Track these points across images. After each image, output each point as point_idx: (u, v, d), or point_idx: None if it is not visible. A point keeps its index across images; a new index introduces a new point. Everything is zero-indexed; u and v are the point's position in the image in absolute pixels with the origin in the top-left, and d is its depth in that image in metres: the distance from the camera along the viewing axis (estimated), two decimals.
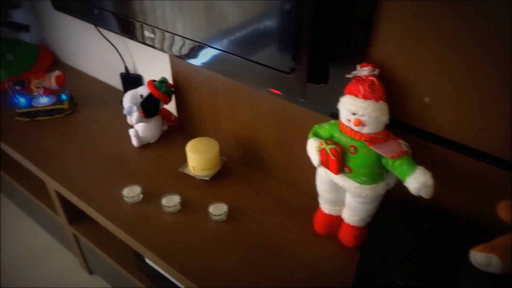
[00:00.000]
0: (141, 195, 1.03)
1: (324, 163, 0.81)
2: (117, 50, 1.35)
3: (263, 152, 1.09)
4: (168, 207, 0.99)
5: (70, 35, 1.57)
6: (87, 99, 1.44)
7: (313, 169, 1.00)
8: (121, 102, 1.17)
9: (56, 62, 1.69)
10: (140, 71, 1.38)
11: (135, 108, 1.14)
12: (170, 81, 1.21)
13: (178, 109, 1.26)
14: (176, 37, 0.97)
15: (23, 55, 1.59)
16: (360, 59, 0.77)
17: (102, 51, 1.47)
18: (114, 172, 1.12)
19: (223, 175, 1.10)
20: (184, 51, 0.98)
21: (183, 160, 1.13)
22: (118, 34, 1.14)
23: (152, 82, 1.17)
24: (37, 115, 1.32)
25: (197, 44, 0.93)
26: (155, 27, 1.00)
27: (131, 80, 1.38)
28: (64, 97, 1.35)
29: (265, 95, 0.99)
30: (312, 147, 0.83)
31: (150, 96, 1.16)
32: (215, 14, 0.88)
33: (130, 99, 1.15)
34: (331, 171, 0.81)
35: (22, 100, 1.33)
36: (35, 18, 1.66)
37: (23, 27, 1.53)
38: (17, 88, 1.30)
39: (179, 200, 1.00)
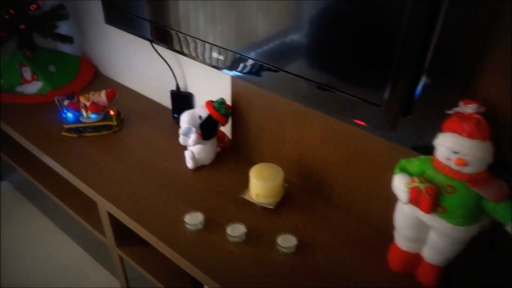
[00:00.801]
0: (203, 222, 0.99)
1: (414, 201, 0.77)
2: (170, 67, 1.31)
3: (329, 181, 1.05)
4: (234, 236, 0.95)
5: (112, 48, 1.54)
6: (132, 115, 1.40)
7: (383, 202, 0.96)
8: (177, 122, 1.14)
9: (96, 74, 1.65)
10: (191, 89, 1.35)
11: (194, 129, 1.10)
12: (228, 101, 1.17)
13: (233, 131, 1.22)
14: (247, 59, 0.93)
15: (65, 67, 1.56)
16: (461, 93, 0.73)
17: (148, 66, 1.44)
18: (171, 195, 1.08)
19: (286, 203, 1.06)
20: (254, 74, 0.95)
21: (241, 184, 1.09)
22: (179, 53, 1.10)
23: (210, 103, 1.13)
24: (85, 131, 1.28)
25: (271, 68, 0.90)
26: (224, 48, 0.97)
27: (181, 98, 1.34)
28: (112, 113, 1.32)
29: (338, 122, 0.95)
30: (401, 184, 0.79)
31: (209, 117, 1.12)
32: (293, 37, 0.85)
33: (188, 120, 1.11)
34: (422, 210, 0.77)
35: (69, 115, 1.29)
36: (77, 29, 1.63)
37: (67, 38, 1.50)
38: (65, 102, 1.26)
39: (245, 230, 0.96)
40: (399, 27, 0.68)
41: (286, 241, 0.94)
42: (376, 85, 0.76)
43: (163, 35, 1.12)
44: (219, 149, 1.22)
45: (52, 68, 1.51)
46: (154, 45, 1.28)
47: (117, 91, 1.49)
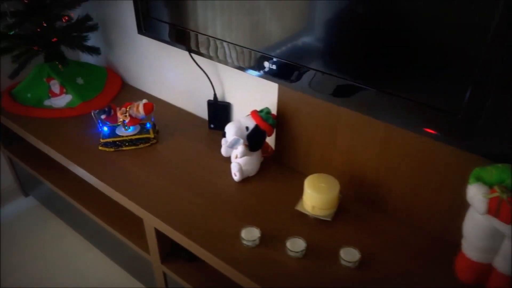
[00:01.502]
0: (260, 237, 0.96)
1: (493, 211, 0.75)
2: (208, 77, 1.28)
3: (384, 191, 1.02)
4: (295, 252, 0.92)
5: (141, 58, 1.51)
6: (167, 126, 1.37)
7: (444, 211, 0.94)
8: (224, 134, 1.11)
9: (122, 85, 1.61)
10: (229, 99, 1.32)
11: (241, 141, 1.07)
12: (273, 111, 1.14)
13: (277, 141, 1.19)
14: (303, 68, 0.91)
15: (93, 79, 1.52)
16: None
17: (182, 76, 1.41)
18: (220, 210, 1.05)
19: (341, 214, 1.03)
20: (310, 83, 0.92)
21: (290, 195, 1.07)
22: (224, 64, 1.07)
23: (257, 113, 1.10)
24: (122, 145, 1.25)
25: (330, 75, 0.87)
26: (279, 58, 0.94)
27: (219, 108, 1.31)
28: (148, 125, 1.28)
29: (398, 129, 0.93)
30: (479, 194, 0.76)
31: (256, 128, 1.09)
32: (355, 42, 0.82)
33: (235, 131, 1.08)
34: (503, 220, 0.74)
35: (105, 129, 1.26)
36: (102, 39, 1.60)
37: (94, 49, 1.46)
38: (103, 116, 1.23)
39: (305, 245, 0.93)
40: (488, 26, 0.65)
41: (349, 255, 0.91)
42: (454, 91, 0.73)
43: (204, 44, 1.09)
44: (262, 159, 1.19)
45: (79, 81, 1.48)
46: (192, 54, 1.25)
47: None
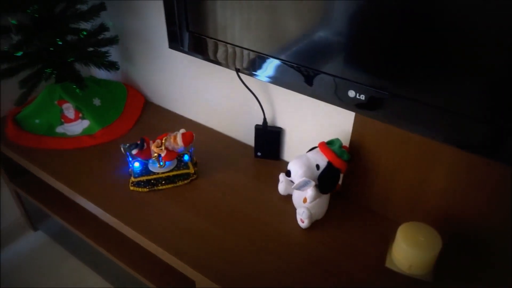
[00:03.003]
0: None
1: None
2: (257, 99, 1.08)
3: (491, 240, 0.85)
4: None
5: (170, 74, 1.30)
6: (206, 156, 1.17)
7: None
8: (288, 173, 0.92)
9: (144, 104, 1.40)
10: (280, 124, 1.12)
11: (312, 183, 0.89)
12: (343, 141, 0.95)
13: (346, 175, 1.00)
14: (403, 99, 0.72)
15: (111, 98, 1.30)
16: None
17: (221, 96, 1.20)
18: (291, 266, 0.86)
19: (440, 271, 0.85)
20: (406, 116, 0.73)
21: (372, 245, 0.90)
22: (290, 89, 0.88)
23: (327, 146, 0.92)
24: (157, 184, 1.05)
25: (436, 108, 0.69)
26: (367, 86, 0.75)
27: (268, 134, 1.11)
28: (186, 158, 1.09)
29: None
30: None
31: (330, 166, 0.90)
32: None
33: (304, 171, 0.89)
34: None
35: (136, 165, 1.06)
36: (119, 51, 1.38)
37: (112, 64, 1.25)
38: (134, 151, 1.03)
39: None
40: None
41: None
42: None
43: (256, 64, 0.89)
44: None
45: (96, 101, 1.26)
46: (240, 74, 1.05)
47: (181, 126, 1.27)
